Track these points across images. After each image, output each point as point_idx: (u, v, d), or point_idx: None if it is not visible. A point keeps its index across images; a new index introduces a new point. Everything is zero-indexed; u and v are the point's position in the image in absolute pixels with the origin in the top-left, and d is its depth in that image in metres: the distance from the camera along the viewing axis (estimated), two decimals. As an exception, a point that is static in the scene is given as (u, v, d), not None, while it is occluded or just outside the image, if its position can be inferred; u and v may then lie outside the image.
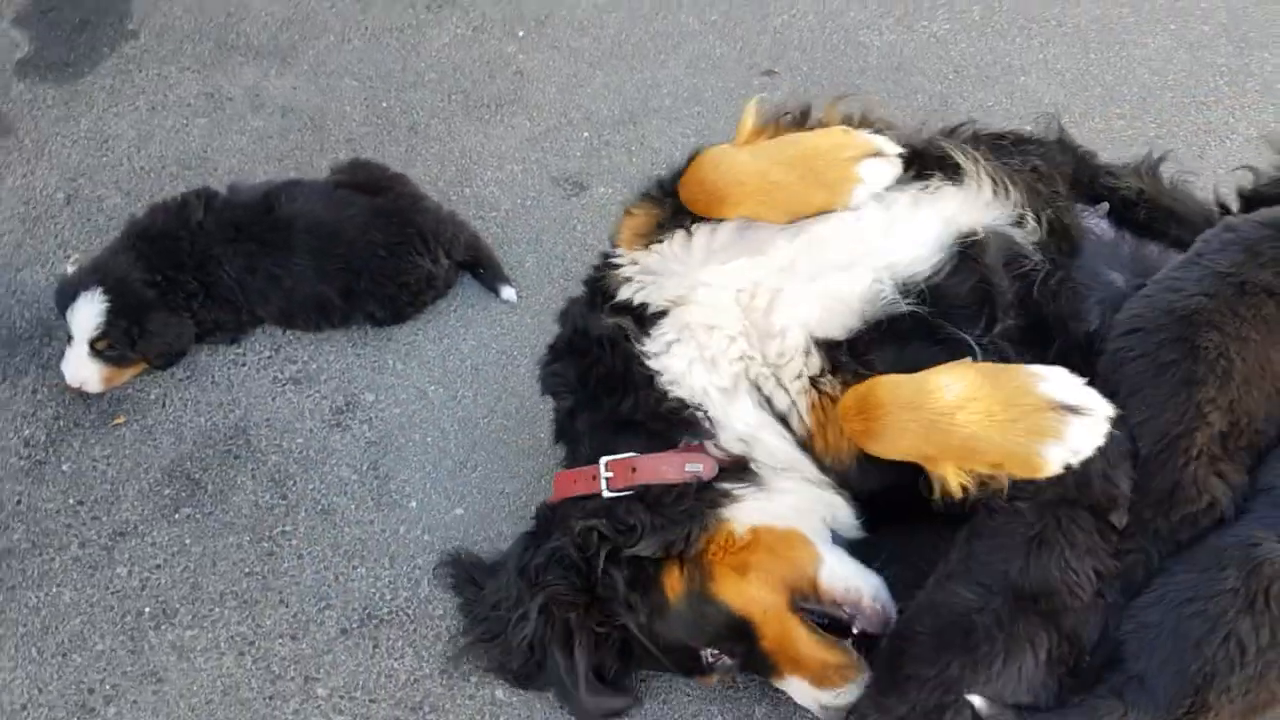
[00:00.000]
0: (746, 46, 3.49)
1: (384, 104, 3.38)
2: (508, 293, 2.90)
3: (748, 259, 2.20)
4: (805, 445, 2.15)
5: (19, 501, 2.59)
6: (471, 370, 2.80)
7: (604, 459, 2.17)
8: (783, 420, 2.16)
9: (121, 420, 2.72)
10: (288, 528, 2.55)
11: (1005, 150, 2.36)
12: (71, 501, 2.59)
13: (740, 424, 2.15)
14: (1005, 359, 2.06)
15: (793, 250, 2.18)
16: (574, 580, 2.10)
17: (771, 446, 2.15)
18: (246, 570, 2.48)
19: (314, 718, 2.26)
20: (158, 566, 2.49)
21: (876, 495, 2.17)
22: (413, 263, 2.79)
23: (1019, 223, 2.21)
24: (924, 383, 1.94)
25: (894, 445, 1.97)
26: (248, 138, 3.31)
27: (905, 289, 2.11)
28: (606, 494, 2.14)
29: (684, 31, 3.53)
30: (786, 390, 2.14)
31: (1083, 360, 2.05)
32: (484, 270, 2.93)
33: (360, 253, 2.77)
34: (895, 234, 2.17)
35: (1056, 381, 1.92)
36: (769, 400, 2.16)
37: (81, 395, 2.72)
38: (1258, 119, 3.23)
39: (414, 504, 2.57)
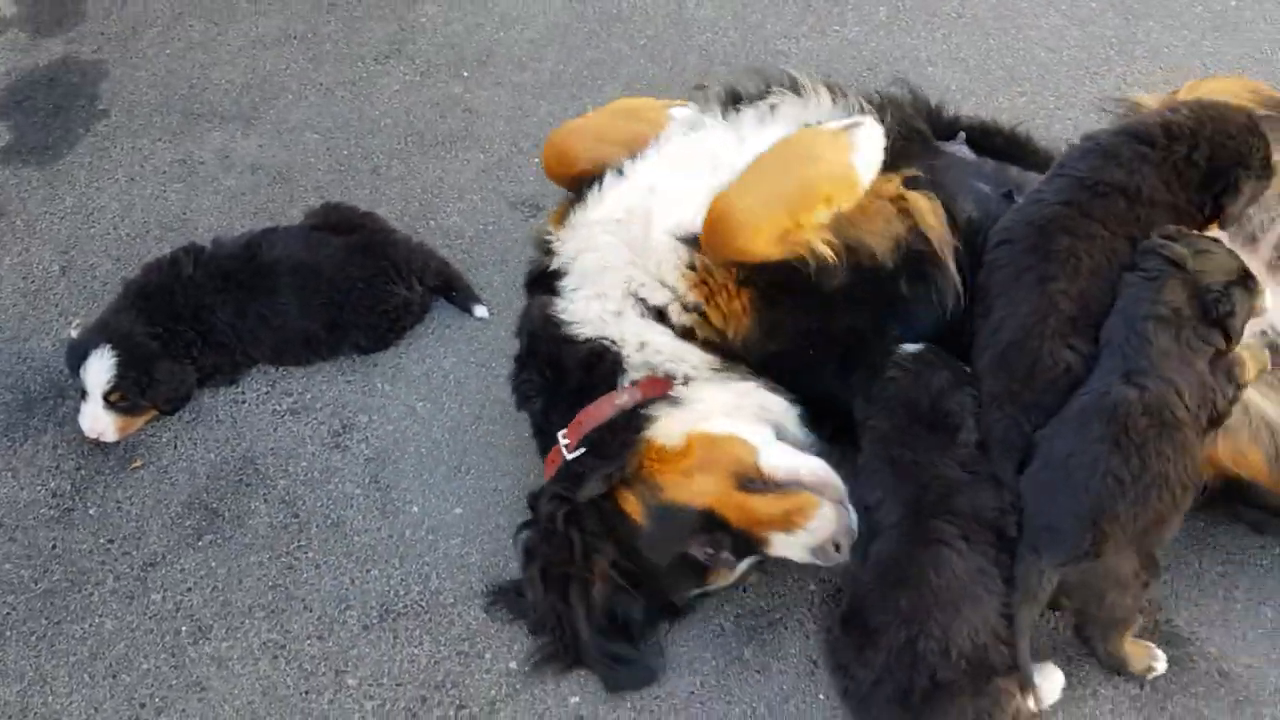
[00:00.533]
0: (676, 65, 3.77)
1: (345, 152, 3.64)
2: (480, 310, 3.15)
3: (615, 192, 2.56)
4: (691, 333, 2.47)
5: (54, 546, 2.80)
6: (455, 384, 3.05)
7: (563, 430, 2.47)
8: (660, 315, 2.48)
9: (139, 464, 2.95)
10: (302, 542, 2.78)
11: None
12: (102, 541, 2.80)
13: (632, 337, 2.47)
14: None
15: (653, 172, 2.55)
16: (560, 546, 2.37)
17: (659, 344, 2.46)
18: (270, 584, 2.70)
19: (348, 705, 2.48)
20: (188, 589, 2.71)
21: (801, 372, 2.48)
22: (390, 292, 3.04)
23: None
24: (746, 175, 2.36)
25: (757, 233, 2.31)
26: (222, 196, 3.56)
27: None
28: (569, 457, 2.42)
29: (617, 57, 3.81)
30: (668, 287, 2.47)
31: (962, 246, 2.42)
32: (456, 293, 3.18)
33: (340, 288, 3.02)
34: (745, 145, 2.53)
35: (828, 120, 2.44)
36: (645, 302, 2.48)
37: (99, 445, 2.95)
38: (1146, 82, 3.52)
39: (415, 509, 2.81)
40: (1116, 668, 2.32)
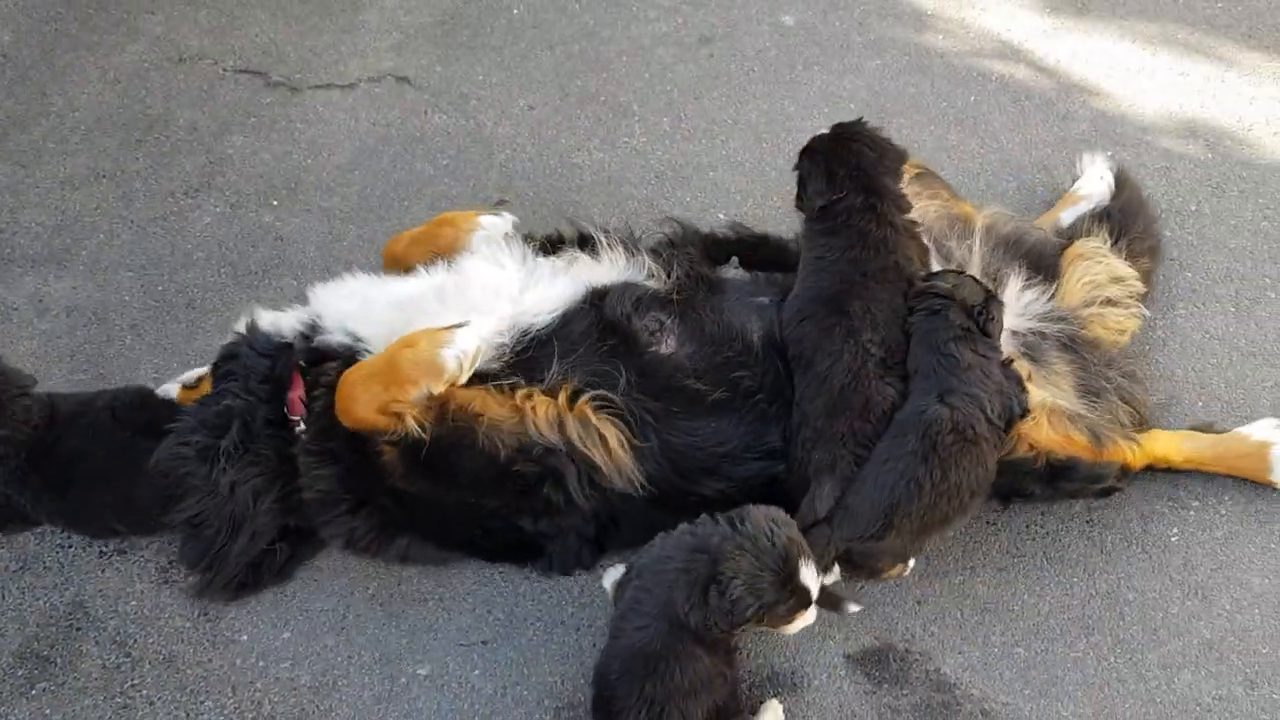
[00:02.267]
0: (478, 183, 4.00)
1: (159, 287, 3.74)
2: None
3: (400, 283, 3.03)
4: None
5: (-122, 712, 2.83)
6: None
7: None
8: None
9: (-36, 620, 3.00)
10: (135, 680, 2.87)
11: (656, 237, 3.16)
12: (-70, 701, 2.85)
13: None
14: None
15: (444, 279, 2.95)
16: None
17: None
18: (104, 726, 2.79)
19: (186, 838, 2.59)
20: (21, 741, 2.78)
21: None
22: None
23: (650, 276, 2.96)
24: (370, 360, 2.77)
25: (356, 403, 2.71)
26: (37, 341, 3.62)
27: (524, 333, 2.84)
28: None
29: (421, 178, 4.02)
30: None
31: (765, 357, 2.85)
32: None
33: None
34: (525, 293, 2.91)
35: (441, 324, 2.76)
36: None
37: (-79, 604, 2.99)
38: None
39: (245, 637, 2.94)
40: (875, 579, 2.86)
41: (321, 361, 2.86)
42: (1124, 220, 3.34)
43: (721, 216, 3.60)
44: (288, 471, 2.83)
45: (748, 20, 4.49)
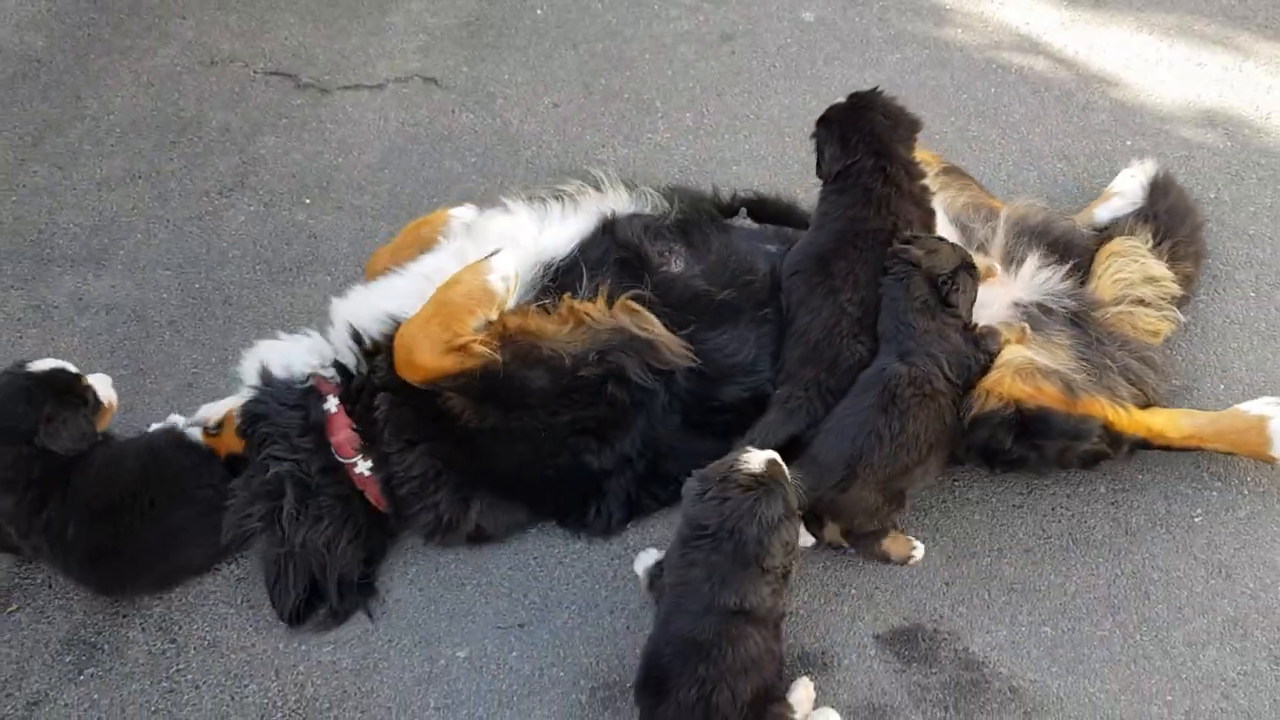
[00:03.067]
0: (505, 179, 4.06)
1: (197, 285, 3.83)
2: None
3: (419, 261, 3.16)
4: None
5: (-67, 696, 2.91)
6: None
7: None
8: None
9: (15, 608, 3.07)
10: (181, 665, 2.94)
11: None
12: (-17, 686, 2.93)
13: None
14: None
15: (434, 261, 3.07)
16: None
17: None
18: (152, 709, 2.86)
19: (235, 815, 2.67)
20: (73, 724, 2.85)
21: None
22: None
23: (654, 208, 3.16)
24: (420, 309, 2.85)
25: (422, 351, 2.78)
26: (78, 338, 3.70)
27: (548, 265, 2.98)
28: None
29: (450, 176, 4.10)
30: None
31: (769, 295, 3.02)
32: None
33: None
34: (544, 231, 3.05)
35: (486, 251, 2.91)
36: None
37: (-27, 592, 3.07)
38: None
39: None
40: (882, 560, 2.92)
41: (357, 388, 2.95)
42: (1170, 223, 3.34)
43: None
44: (353, 510, 2.96)
45: (768, 17, 4.55)
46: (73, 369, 3.02)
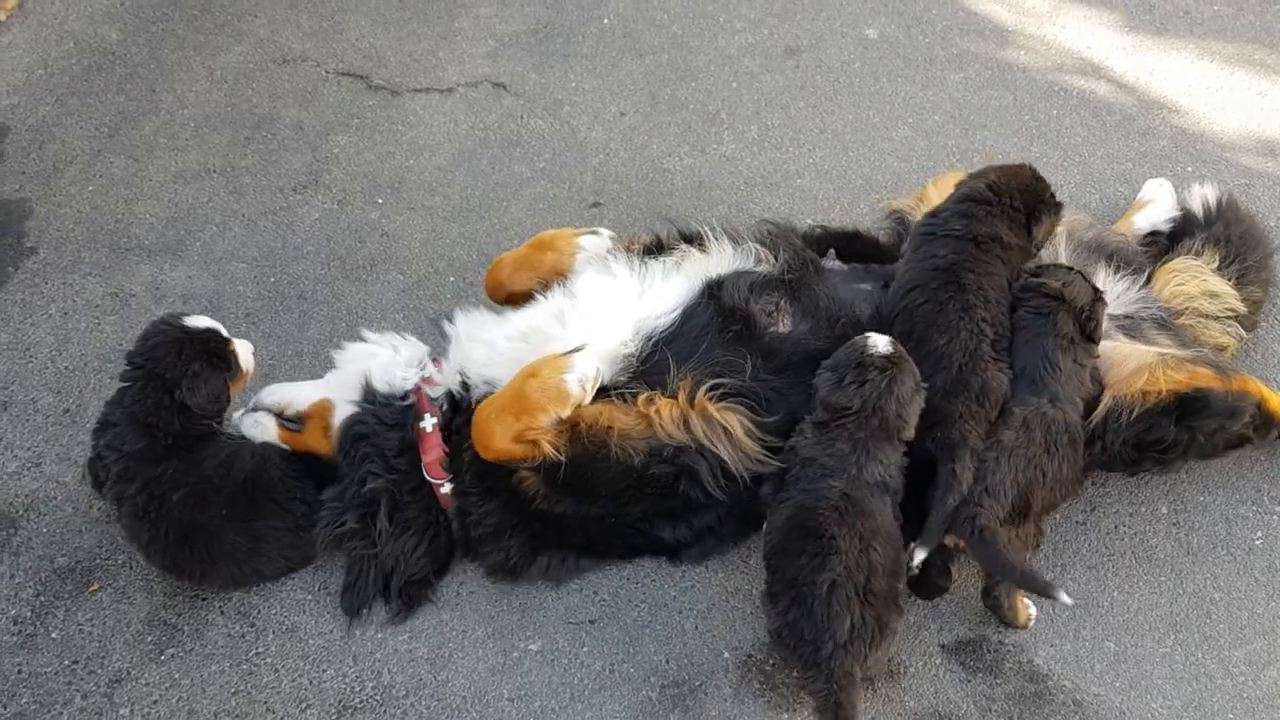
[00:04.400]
0: (573, 185, 4.15)
1: (271, 279, 3.91)
2: None
3: (521, 314, 3.12)
4: None
5: (20, 670, 2.98)
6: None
7: None
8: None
9: (96, 587, 3.14)
10: (260, 649, 3.02)
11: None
12: (67, 662, 2.99)
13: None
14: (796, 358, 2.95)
15: (561, 302, 3.07)
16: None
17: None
18: (232, 690, 2.94)
19: (316, 796, 2.74)
20: (155, 702, 2.92)
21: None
22: None
23: (760, 262, 3.10)
24: (499, 394, 2.91)
25: (493, 436, 2.84)
26: (156, 327, 3.79)
27: (648, 337, 2.95)
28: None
29: (519, 180, 4.18)
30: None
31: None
32: None
33: None
34: (644, 297, 3.02)
35: (565, 348, 2.90)
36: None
37: (55, 571, 3.15)
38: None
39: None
40: (1009, 622, 2.93)
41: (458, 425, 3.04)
42: (1241, 249, 3.39)
43: (809, 222, 3.71)
44: (435, 524, 3.05)
45: (831, 33, 4.62)
46: (224, 332, 3.13)
